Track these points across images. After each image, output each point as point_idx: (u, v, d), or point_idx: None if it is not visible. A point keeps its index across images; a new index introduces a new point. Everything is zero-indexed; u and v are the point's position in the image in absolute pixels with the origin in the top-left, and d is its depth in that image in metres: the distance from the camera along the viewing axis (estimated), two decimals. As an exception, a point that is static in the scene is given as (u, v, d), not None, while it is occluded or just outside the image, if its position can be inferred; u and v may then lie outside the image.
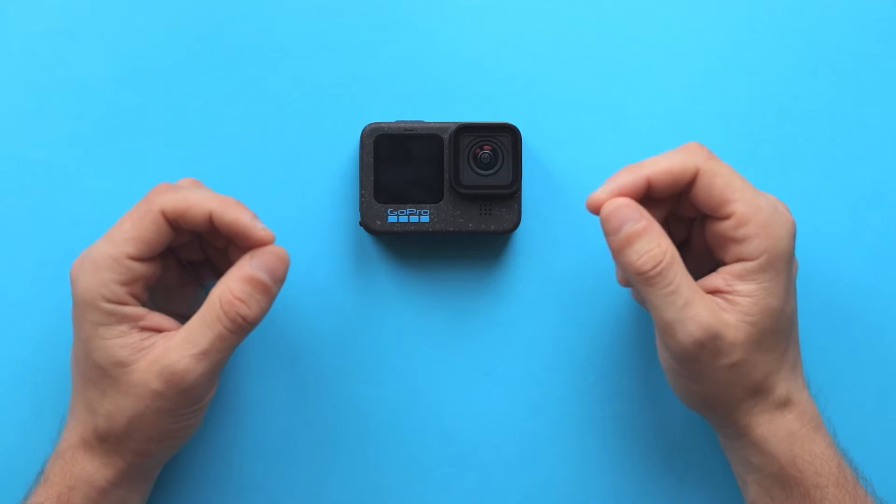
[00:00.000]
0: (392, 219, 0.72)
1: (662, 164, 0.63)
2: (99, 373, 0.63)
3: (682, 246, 0.69)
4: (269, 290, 0.64)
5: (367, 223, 0.72)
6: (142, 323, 0.63)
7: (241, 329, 0.63)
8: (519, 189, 0.72)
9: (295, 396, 0.74)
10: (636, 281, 0.62)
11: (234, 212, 0.63)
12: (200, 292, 0.70)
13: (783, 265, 0.62)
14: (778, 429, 0.64)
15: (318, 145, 0.74)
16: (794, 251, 0.64)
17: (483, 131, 0.72)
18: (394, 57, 0.74)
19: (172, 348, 0.62)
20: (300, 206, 0.74)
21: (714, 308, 0.62)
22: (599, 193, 0.63)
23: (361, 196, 0.72)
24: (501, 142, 0.72)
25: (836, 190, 0.75)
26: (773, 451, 0.64)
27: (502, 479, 0.75)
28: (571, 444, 0.75)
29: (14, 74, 0.74)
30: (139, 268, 0.63)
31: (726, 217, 0.63)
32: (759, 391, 0.64)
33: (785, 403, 0.64)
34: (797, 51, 0.75)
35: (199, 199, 0.63)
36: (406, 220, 0.72)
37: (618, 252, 0.63)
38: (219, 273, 0.66)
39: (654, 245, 0.62)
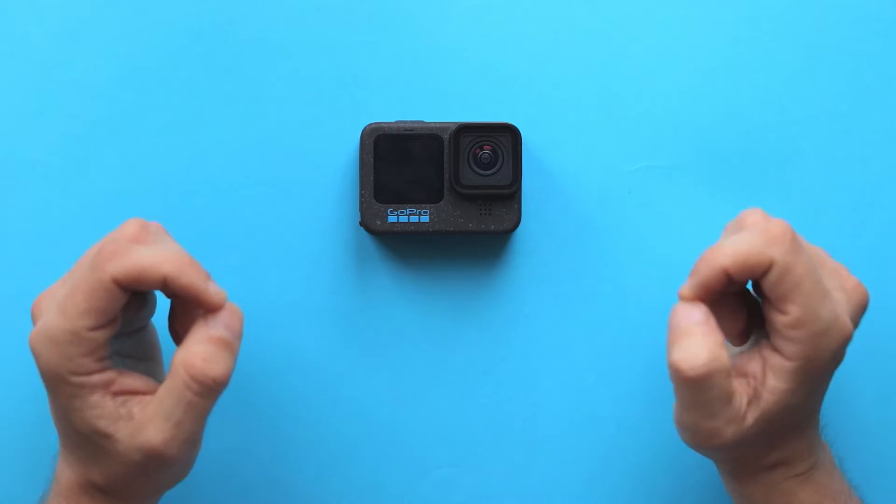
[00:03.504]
0: (392, 219, 0.72)
1: (740, 255, 0.60)
2: (83, 438, 0.62)
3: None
4: (231, 346, 0.61)
5: (367, 223, 0.72)
6: (114, 388, 0.61)
7: (210, 392, 0.60)
8: (519, 189, 0.72)
9: (295, 396, 0.74)
10: (672, 377, 0.61)
11: (187, 276, 0.60)
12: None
13: (818, 373, 0.61)
14: (758, 480, 0.64)
15: (318, 145, 0.74)
16: (844, 353, 0.62)
17: (483, 131, 0.72)
18: (394, 57, 0.74)
19: (147, 422, 0.60)
20: (300, 206, 0.74)
21: (737, 417, 0.61)
22: (685, 291, 0.62)
23: (361, 196, 0.72)
24: (501, 142, 0.72)
25: (836, 190, 0.75)
26: (751, 497, 0.64)
27: (502, 479, 0.75)
28: (571, 444, 0.75)
29: (14, 74, 0.74)
30: (100, 335, 0.60)
31: (782, 312, 0.60)
32: (751, 459, 0.64)
33: (773, 466, 0.64)
34: (797, 51, 0.74)
35: (151, 263, 0.60)
36: (406, 220, 0.72)
37: (669, 346, 0.61)
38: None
39: (699, 348, 0.60)
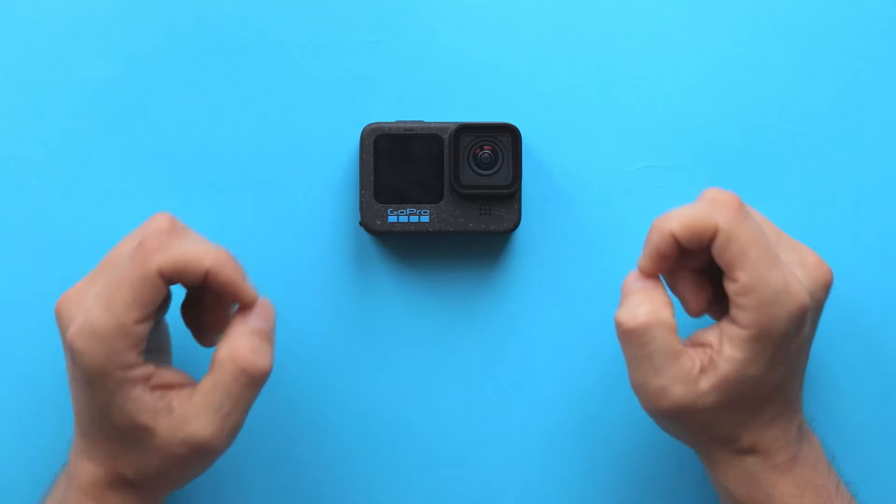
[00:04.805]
0: (392, 219, 0.72)
1: (686, 219, 0.62)
2: (120, 433, 0.62)
3: None
4: (271, 337, 0.64)
5: (367, 223, 0.72)
6: (153, 382, 0.62)
7: (258, 382, 0.62)
8: (519, 189, 0.72)
9: (294, 396, 0.74)
10: (617, 335, 0.63)
11: (229, 271, 0.62)
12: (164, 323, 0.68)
13: (774, 342, 0.61)
14: (736, 469, 0.64)
15: (318, 145, 0.74)
16: (804, 325, 0.63)
17: (483, 131, 0.72)
18: (394, 57, 0.74)
19: (193, 415, 0.61)
20: (300, 206, 0.74)
21: (687, 378, 0.62)
22: (642, 262, 0.64)
23: (361, 196, 0.72)
24: (501, 142, 0.72)
25: (836, 190, 0.75)
26: (730, 488, 0.64)
27: (502, 479, 0.75)
28: (571, 444, 0.75)
29: (14, 74, 0.74)
30: (144, 328, 0.61)
31: (733, 280, 0.62)
32: (722, 441, 0.64)
33: (749, 450, 0.64)
34: (797, 51, 0.75)
35: (195, 256, 0.62)
36: (406, 220, 0.72)
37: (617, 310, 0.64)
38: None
39: (639, 304, 0.62)
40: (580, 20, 0.75)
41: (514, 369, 0.75)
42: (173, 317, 0.66)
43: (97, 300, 0.61)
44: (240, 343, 0.62)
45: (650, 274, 0.63)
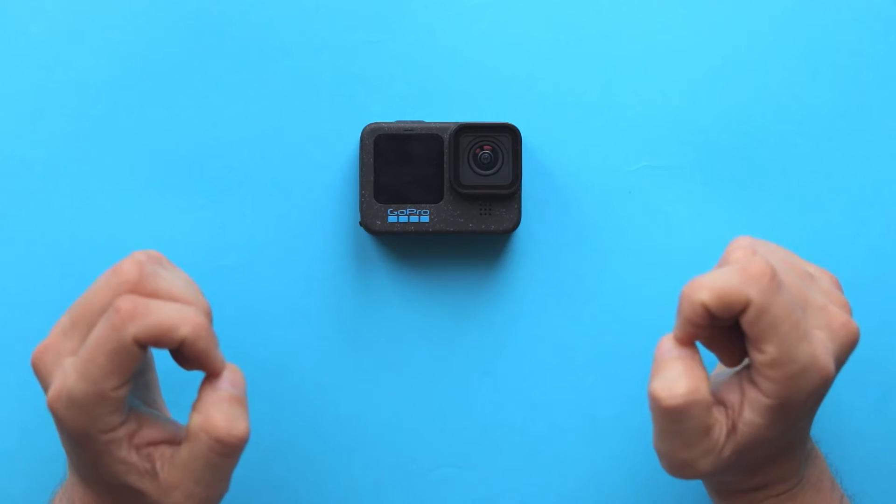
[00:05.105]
0: (392, 219, 0.72)
1: (718, 292, 0.59)
2: (110, 487, 0.62)
3: None
4: (243, 401, 0.62)
5: (367, 223, 0.72)
6: (136, 440, 0.61)
7: (237, 450, 0.61)
8: (519, 189, 0.72)
9: (294, 396, 0.74)
10: (650, 405, 0.61)
11: (203, 342, 0.60)
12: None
13: (795, 411, 0.61)
14: (740, 500, 0.64)
15: (318, 145, 0.74)
16: (826, 392, 0.62)
17: (483, 131, 0.72)
18: (394, 57, 0.74)
19: (175, 486, 0.61)
20: (300, 206, 0.74)
21: (714, 449, 0.61)
22: (677, 333, 0.61)
23: (361, 196, 0.72)
24: (501, 142, 0.72)
25: (836, 190, 0.75)
26: None
27: (502, 479, 0.75)
28: (571, 444, 0.75)
29: (14, 74, 0.74)
30: (124, 391, 0.60)
31: (759, 351, 0.60)
32: (730, 484, 0.64)
33: (755, 488, 0.64)
34: (797, 51, 0.75)
35: (171, 325, 0.60)
36: (406, 220, 0.72)
37: (651, 375, 0.61)
38: None
39: (678, 379, 0.60)
40: (580, 20, 0.75)
41: (514, 369, 0.75)
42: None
43: (73, 367, 0.60)
44: (212, 413, 0.60)
45: (686, 343, 0.61)
